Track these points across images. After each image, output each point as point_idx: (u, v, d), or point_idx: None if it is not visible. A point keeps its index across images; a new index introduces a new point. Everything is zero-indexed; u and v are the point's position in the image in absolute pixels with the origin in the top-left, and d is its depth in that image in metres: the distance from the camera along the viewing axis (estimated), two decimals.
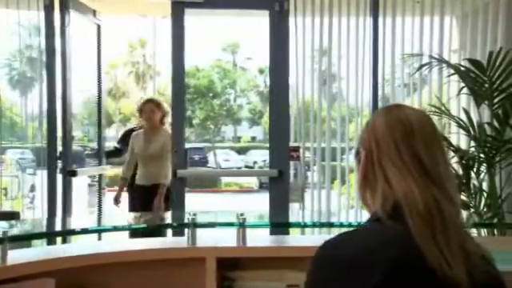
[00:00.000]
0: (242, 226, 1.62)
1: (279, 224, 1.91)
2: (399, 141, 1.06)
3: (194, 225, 1.60)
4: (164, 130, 4.56)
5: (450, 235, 0.99)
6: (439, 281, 0.95)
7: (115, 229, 1.69)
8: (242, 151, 23.83)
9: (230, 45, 25.98)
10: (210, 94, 23.82)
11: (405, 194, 1.01)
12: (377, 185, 1.07)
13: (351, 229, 1.11)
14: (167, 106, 4.55)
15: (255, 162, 20.12)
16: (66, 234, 1.71)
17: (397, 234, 0.99)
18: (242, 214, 1.65)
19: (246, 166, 20.58)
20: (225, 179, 16.59)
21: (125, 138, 4.99)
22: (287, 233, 2.94)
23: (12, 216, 3.63)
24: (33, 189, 4.92)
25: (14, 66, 4.75)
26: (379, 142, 1.08)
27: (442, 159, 1.07)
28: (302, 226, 2.01)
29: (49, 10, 3.93)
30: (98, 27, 4.83)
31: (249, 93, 25.57)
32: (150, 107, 4.56)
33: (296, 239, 1.99)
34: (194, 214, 1.63)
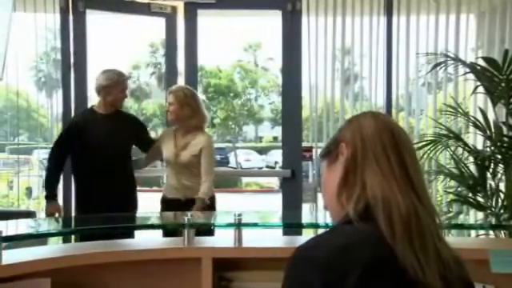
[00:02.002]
0: (237, 226, 1.62)
1: (277, 225, 1.90)
2: (387, 144, 1.07)
3: (191, 225, 1.61)
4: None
5: (426, 241, 0.99)
6: (412, 281, 0.96)
7: (110, 229, 1.70)
8: (263, 151, 23.84)
9: (252, 45, 26.01)
10: (231, 94, 23.88)
11: (386, 196, 1.01)
12: (356, 185, 1.06)
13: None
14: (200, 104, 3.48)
15: (276, 162, 20.11)
16: (60, 234, 1.74)
17: (369, 235, 0.99)
18: (239, 215, 1.65)
19: (267, 166, 20.56)
20: (245, 179, 16.61)
21: (75, 131, 3.47)
22: (300, 233, 2.93)
23: (29, 215, 3.71)
24: None
25: (41, 68, 4.87)
26: (366, 141, 1.07)
27: (421, 172, 1.09)
28: (305, 226, 2.00)
29: (64, 12, 3.99)
30: (169, 20, 4.29)
31: (270, 92, 25.56)
32: (173, 98, 3.41)
33: (301, 240, 1.96)
34: (191, 215, 1.64)
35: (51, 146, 3.64)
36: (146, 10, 4.23)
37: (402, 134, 1.10)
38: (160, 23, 4.33)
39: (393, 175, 1.03)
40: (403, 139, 1.09)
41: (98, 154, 3.40)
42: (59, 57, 4.10)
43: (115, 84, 3.45)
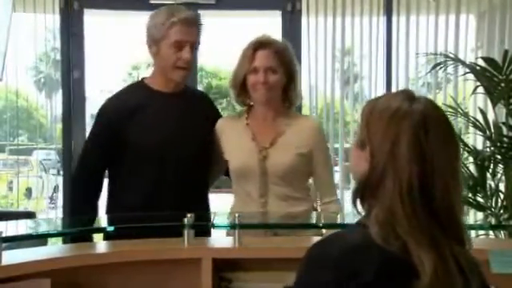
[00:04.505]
0: (237, 227, 1.62)
1: (277, 225, 1.91)
2: (416, 178, 1.01)
3: (191, 226, 1.61)
4: (297, 117, 2.15)
5: (441, 246, 1.00)
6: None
7: (107, 230, 1.70)
8: None
9: None
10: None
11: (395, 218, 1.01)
12: (370, 203, 1.05)
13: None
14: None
15: None
16: (60, 235, 1.74)
17: None
18: (239, 215, 1.65)
19: None
20: None
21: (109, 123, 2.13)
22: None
23: (29, 216, 3.71)
24: (56, 189, 5.03)
25: (41, 69, 4.88)
26: (397, 171, 1.02)
27: (453, 192, 1.04)
28: (305, 226, 2.00)
29: (64, 12, 4.00)
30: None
31: None
32: (266, 57, 2.02)
33: (299, 240, 1.95)
34: (191, 215, 1.64)
35: (51, 146, 3.54)
36: (146, 5, 4.00)
37: (439, 162, 1.03)
38: None
39: (416, 218, 1.00)
40: (436, 167, 1.02)
41: (153, 158, 2.09)
42: (59, 57, 4.11)
43: (163, 30, 2.02)
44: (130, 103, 2.10)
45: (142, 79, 2.23)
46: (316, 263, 1.01)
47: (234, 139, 2.08)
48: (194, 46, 2.06)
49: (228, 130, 2.12)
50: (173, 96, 2.12)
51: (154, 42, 2.06)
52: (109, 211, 2.18)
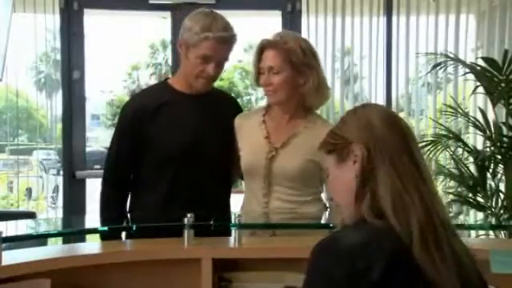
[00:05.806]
0: (237, 226, 1.62)
1: (279, 225, 1.91)
2: (399, 144, 1.09)
3: (190, 226, 1.61)
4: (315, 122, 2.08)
5: (441, 242, 1.03)
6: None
7: (107, 231, 1.70)
8: None
9: (252, 45, 25.95)
10: (232, 95, 23.92)
11: (402, 199, 1.04)
12: (370, 187, 1.08)
13: None
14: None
15: None
16: (60, 235, 1.75)
17: (387, 232, 1.03)
18: (239, 215, 1.65)
19: None
20: None
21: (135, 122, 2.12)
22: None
23: (29, 216, 3.71)
24: (56, 189, 5.03)
25: (41, 69, 4.88)
26: (379, 142, 1.08)
27: (427, 165, 1.16)
28: (305, 226, 1.99)
29: (64, 12, 4.00)
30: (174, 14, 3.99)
31: None
32: (268, 57, 1.99)
33: (299, 240, 1.94)
34: (191, 215, 1.64)
35: (51, 146, 3.54)
36: (146, 5, 4.01)
37: (410, 131, 1.13)
38: (161, 21, 4.28)
39: (408, 176, 1.05)
40: (412, 136, 1.12)
41: (175, 158, 2.08)
42: (59, 57, 4.11)
43: (196, 39, 1.99)
44: (153, 103, 2.10)
45: (166, 79, 2.25)
46: (328, 258, 1.02)
47: (248, 135, 2.04)
48: (221, 61, 2.07)
49: (244, 126, 2.08)
50: (196, 97, 2.12)
51: (184, 44, 2.06)
52: (131, 210, 2.19)
